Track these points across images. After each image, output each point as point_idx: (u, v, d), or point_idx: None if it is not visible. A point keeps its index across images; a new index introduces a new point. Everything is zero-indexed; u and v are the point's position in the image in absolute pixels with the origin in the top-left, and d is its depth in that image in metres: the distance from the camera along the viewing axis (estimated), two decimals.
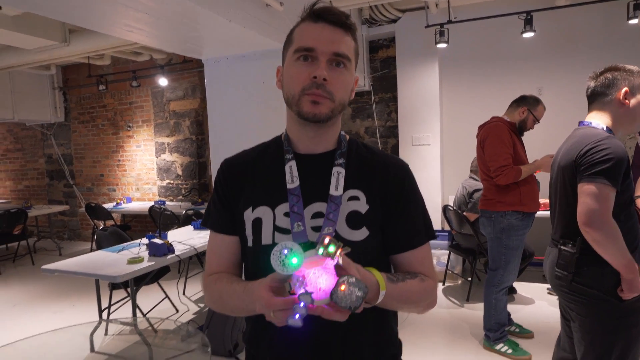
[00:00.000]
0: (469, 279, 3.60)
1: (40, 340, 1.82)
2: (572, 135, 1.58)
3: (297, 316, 0.59)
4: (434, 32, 3.66)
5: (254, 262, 0.83)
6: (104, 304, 2.81)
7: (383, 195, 0.82)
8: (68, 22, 2.63)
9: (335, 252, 0.60)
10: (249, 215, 0.82)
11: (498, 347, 2.56)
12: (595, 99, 1.53)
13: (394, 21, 4.32)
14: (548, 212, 3.10)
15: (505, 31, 4.05)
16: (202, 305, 3.56)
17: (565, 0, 3.59)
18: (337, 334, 0.77)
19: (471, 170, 3.68)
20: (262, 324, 0.74)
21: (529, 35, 3.44)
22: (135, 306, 2.54)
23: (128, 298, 2.84)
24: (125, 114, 5.96)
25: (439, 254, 3.91)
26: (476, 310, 3.17)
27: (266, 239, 0.79)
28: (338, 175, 0.81)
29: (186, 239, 3.00)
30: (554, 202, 1.62)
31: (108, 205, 5.50)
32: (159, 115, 5.72)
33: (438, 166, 4.25)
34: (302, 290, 0.60)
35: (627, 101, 1.45)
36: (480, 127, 2.66)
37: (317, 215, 0.78)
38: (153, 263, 2.44)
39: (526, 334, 2.77)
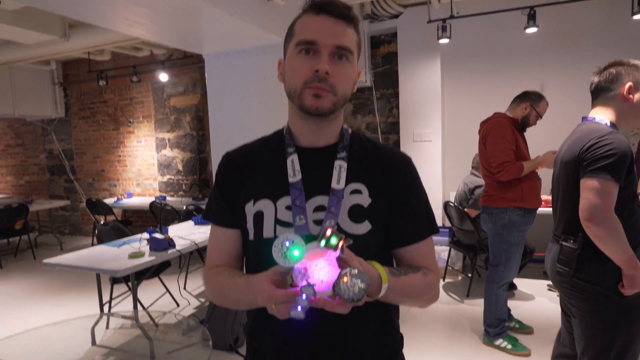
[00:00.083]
0: (469, 275, 3.60)
1: (42, 333, 1.83)
2: (576, 131, 1.57)
3: (299, 308, 0.59)
4: (436, 28, 3.64)
5: (256, 255, 0.82)
6: (105, 299, 2.82)
7: (386, 189, 0.81)
8: (68, 17, 2.62)
9: (338, 244, 0.60)
10: (250, 209, 0.82)
11: (498, 342, 2.56)
12: (599, 94, 1.52)
13: (396, 16, 4.30)
14: (549, 209, 3.10)
15: (508, 27, 4.02)
16: (202, 299, 3.57)
17: None
18: (339, 327, 0.77)
19: (472, 167, 3.68)
20: (264, 317, 0.74)
21: (532, 30, 3.42)
22: (136, 300, 2.55)
23: (129, 292, 2.85)
24: (125, 110, 5.95)
25: (440, 250, 3.91)
26: (476, 306, 3.18)
27: (268, 232, 0.79)
28: (340, 168, 0.80)
29: (187, 234, 3.00)
30: (556, 198, 1.61)
31: (109, 201, 5.51)
32: (160, 110, 5.71)
33: (439, 162, 4.24)
34: (304, 283, 0.59)
35: (631, 96, 1.44)
36: (483, 123, 2.65)
37: (319, 208, 0.78)
38: (154, 258, 2.45)
39: (526, 329, 2.78)
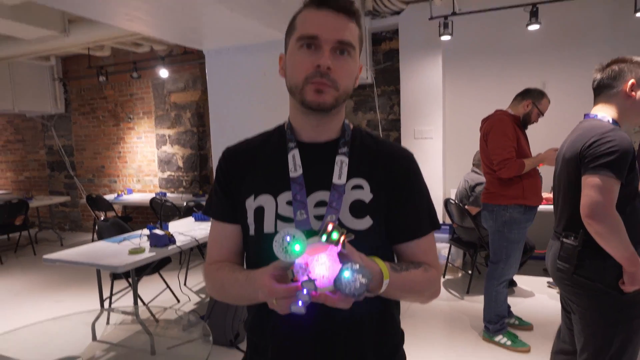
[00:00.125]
0: (470, 272, 3.60)
1: (42, 328, 1.83)
2: (578, 128, 1.57)
3: (300, 303, 0.58)
4: (438, 25, 3.62)
5: (256, 250, 0.82)
6: (106, 294, 2.82)
7: (387, 185, 0.81)
8: (68, 11, 2.61)
9: (339, 239, 0.60)
10: (250, 204, 0.81)
11: (497, 338, 2.57)
12: (601, 91, 1.52)
13: (398, 13, 4.28)
14: (550, 207, 3.10)
15: (509, 24, 4.00)
16: (203, 295, 3.58)
17: None
18: (339, 322, 0.77)
19: (473, 164, 3.68)
20: (264, 312, 0.73)
21: (534, 27, 3.40)
22: (136, 296, 2.55)
23: (129, 288, 2.85)
24: (125, 106, 5.94)
25: (440, 247, 3.91)
26: (476, 303, 3.18)
27: (268, 227, 0.79)
28: (341, 164, 0.80)
29: (187, 230, 3.00)
30: (558, 195, 1.61)
31: (109, 197, 5.51)
32: (160, 107, 5.70)
33: (440, 160, 4.24)
34: (305, 278, 0.59)
35: (633, 93, 1.44)
36: (484, 120, 2.64)
37: (320, 204, 0.78)
38: (154, 254, 2.45)
39: (525, 326, 2.78)
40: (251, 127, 0.89)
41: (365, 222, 0.78)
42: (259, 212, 0.80)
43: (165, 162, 5.78)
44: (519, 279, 3.60)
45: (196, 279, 3.96)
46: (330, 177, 0.79)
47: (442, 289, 3.55)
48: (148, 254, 2.42)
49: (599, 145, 1.38)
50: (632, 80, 1.43)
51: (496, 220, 2.51)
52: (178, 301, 3.44)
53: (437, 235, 4.05)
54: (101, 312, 2.10)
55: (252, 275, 0.70)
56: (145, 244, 2.61)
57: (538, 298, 3.31)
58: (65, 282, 4.10)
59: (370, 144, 0.85)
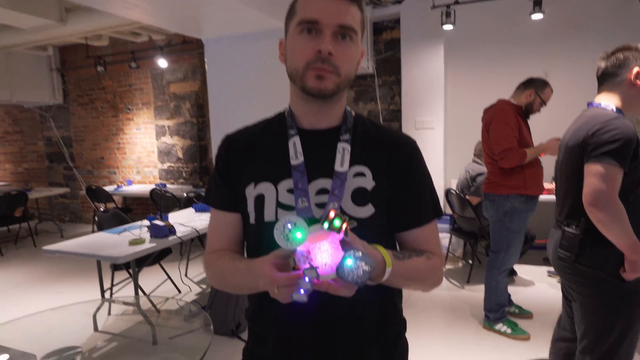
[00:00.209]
0: (470, 261, 3.61)
1: (42, 318, 1.83)
2: (581, 116, 1.55)
3: (302, 291, 0.58)
4: (440, 14, 3.58)
5: (257, 239, 0.81)
6: (106, 285, 2.83)
7: (390, 172, 0.80)
8: None
9: (341, 226, 0.59)
10: (250, 192, 0.80)
11: (497, 327, 2.58)
12: (605, 79, 1.50)
13: (399, 2, 4.22)
14: (550, 197, 3.09)
15: (512, 13, 3.96)
16: (204, 286, 3.59)
17: None
18: (342, 311, 0.76)
19: (474, 155, 3.67)
20: (265, 301, 0.73)
21: (537, 17, 3.36)
22: (137, 287, 2.56)
23: (130, 279, 2.86)
24: (124, 97, 5.90)
25: (441, 237, 3.92)
26: (476, 292, 3.20)
27: (269, 215, 0.78)
28: (343, 151, 0.79)
29: (187, 221, 2.99)
30: (560, 184, 1.60)
31: (109, 188, 5.50)
32: (159, 97, 5.66)
33: (441, 150, 4.22)
34: (307, 266, 0.58)
35: (638, 82, 1.42)
36: (486, 110, 2.62)
37: (321, 191, 0.77)
38: (154, 244, 2.44)
39: (525, 314, 2.80)
40: (251, 117, 0.88)
41: (368, 210, 0.77)
42: (259, 200, 0.79)
43: (164, 153, 5.76)
44: (519, 268, 3.61)
45: (197, 270, 3.97)
46: (332, 165, 0.77)
47: (443, 278, 3.56)
48: (148, 245, 2.42)
49: (602, 134, 1.36)
50: (637, 69, 1.42)
51: (497, 210, 2.50)
52: (179, 292, 3.45)
53: (437, 225, 4.04)
54: (102, 303, 2.10)
55: (253, 264, 0.69)
56: (146, 234, 2.60)
57: (538, 287, 3.32)
58: (66, 274, 4.11)
59: (372, 131, 0.84)
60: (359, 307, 0.77)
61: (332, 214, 0.59)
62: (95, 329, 1.90)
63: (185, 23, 2.78)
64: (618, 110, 1.45)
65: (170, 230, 2.60)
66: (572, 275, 1.49)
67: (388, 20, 4.50)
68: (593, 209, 1.35)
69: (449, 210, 3.90)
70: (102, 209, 4.72)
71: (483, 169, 3.42)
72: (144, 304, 2.31)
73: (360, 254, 0.57)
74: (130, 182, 5.81)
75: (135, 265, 2.51)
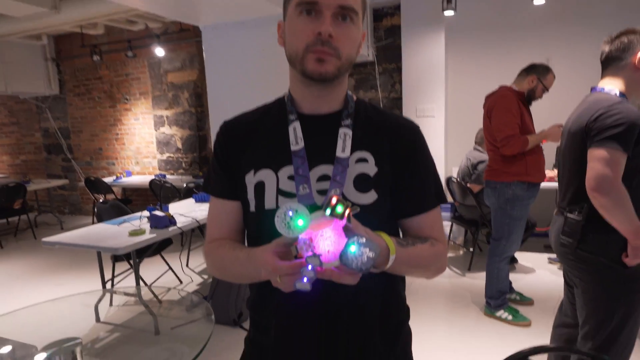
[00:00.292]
0: (471, 249, 3.62)
1: (43, 309, 1.83)
2: (584, 101, 1.53)
3: (305, 280, 0.56)
4: (441, 0, 3.52)
5: (257, 227, 0.80)
6: (107, 277, 2.83)
7: (393, 158, 0.78)
8: None
9: (344, 213, 0.57)
10: (250, 179, 0.78)
11: (498, 313, 2.59)
12: (609, 64, 1.48)
13: None
14: (550, 184, 3.08)
15: None
16: (205, 276, 3.60)
17: None
18: (344, 299, 0.75)
19: (475, 142, 3.65)
20: (267, 290, 0.71)
21: (539, 2, 3.31)
22: (138, 278, 2.56)
23: (131, 270, 2.86)
24: (121, 86, 5.85)
25: None
26: (477, 280, 3.21)
27: (269, 203, 0.76)
28: (345, 136, 0.77)
29: (188, 211, 2.98)
30: (563, 170, 1.59)
31: (108, 180, 5.48)
32: (157, 87, 5.61)
33: (442, 138, 4.19)
34: (309, 253, 0.57)
35: None
36: (488, 97, 2.60)
37: (323, 178, 0.75)
38: (155, 235, 2.44)
39: (526, 301, 2.81)
40: (251, 106, 0.86)
41: (370, 196, 0.75)
42: (260, 187, 0.77)
43: (163, 144, 5.73)
44: (520, 256, 3.62)
45: (198, 260, 3.98)
46: (334, 150, 0.75)
47: None
48: (148, 236, 2.41)
49: (605, 118, 1.35)
50: None
51: (499, 197, 2.49)
52: (180, 282, 3.46)
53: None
54: (103, 294, 2.10)
55: (254, 252, 0.68)
56: (146, 225, 2.60)
57: (539, 274, 3.33)
58: (67, 266, 4.11)
59: (374, 116, 0.82)
60: (361, 295, 0.75)
61: (334, 200, 0.58)
62: (97, 319, 1.90)
63: (182, 9, 2.73)
64: (622, 94, 1.43)
65: (171, 220, 2.59)
66: (574, 261, 1.49)
67: (388, 6, 4.43)
68: (596, 194, 1.34)
69: (450, 198, 3.89)
70: (101, 201, 4.71)
71: (484, 156, 3.41)
72: (146, 294, 2.31)
73: (364, 240, 0.56)
74: (129, 173, 5.79)
75: (135, 256, 2.51)
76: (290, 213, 0.57)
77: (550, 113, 3.09)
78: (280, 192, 0.75)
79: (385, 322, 0.81)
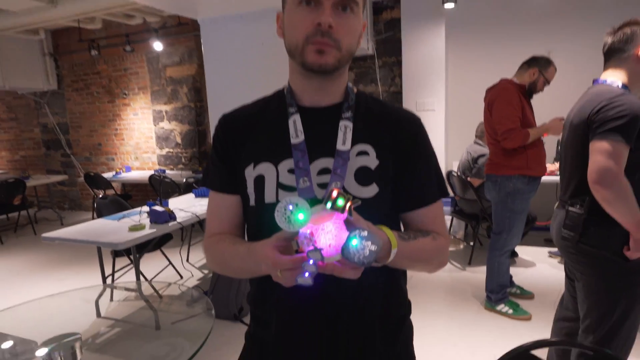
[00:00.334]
0: (471, 243, 3.62)
1: (44, 305, 1.83)
2: (586, 94, 1.52)
3: (306, 274, 0.55)
4: None
5: (257, 221, 0.79)
6: (107, 272, 2.83)
7: (394, 151, 0.77)
8: None
9: (345, 206, 0.56)
10: (250, 173, 0.77)
11: (499, 307, 2.59)
12: (612, 55, 1.47)
13: None
14: (550, 178, 3.07)
15: None
16: (206, 271, 3.60)
17: None
18: (345, 294, 0.74)
19: (476, 136, 3.63)
20: (267, 285, 0.71)
21: None
22: (138, 273, 2.56)
23: (131, 265, 2.85)
24: (120, 81, 5.81)
25: None
26: (478, 274, 3.21)
27: (269, 197, 0.75)
28: (345, 129, 0.75)
29: (187, 206, 2.98)
30: (564, 163, 1.58)
31: (107, 175, 5.47)
32: (156, 82, 5.58)
33: (442, 132, 4.18)
34: (310, 248, 0.56)
35: None
36: (489, 90, 2.58)
37: (323, 171, 0.74)
38: (154, 230, 2.43)
39: (527, 295, 2.81)
40: (251, 101, 0.84)
41: (372, 190, 0.74)
42: (259, 181, 0.76)
43: (163, 139, 5.71)
44: (521, 250, 3.62)
45: (198, 255, 3.98)
46: (334, 143, 0.74)
47: None
48: (148, 231, 2.41)
49: (608, 110, 1.34)
50: None
51: (500, 191, 2.48)
52: (181, 277, 3.46)
53: None
54: (104, 289, 2.10)
55: (254, 247, 0.67)
56: (146, 220, 2.59)
57: (539, 268, 3.33)
58: (67, 261, 4.12)
59: (375, 108, 0.81)
60: (362, 289, 0.75)
61: (334, 193, 0.57)
62: (98, 315, 1.90)
63: (180, 3, 2.70)
64: (624, 86, 1.42)
65: (170, 215, 2.58)
66: (575, 255, 1.49)
67: None
68: (598, 186, 1.33)
69: (450, 193, 3.89)
70: (100, 196, 4.70)
71: (484, 150, 3.40)
72: (146, 289, 2.31)
73: (365, 233, 0.55)
74: (128, 169, 5.78)
75: (136, 252, 2.51)
76: (291, 207, 0.56)
77: (550, 106, 3.07)
78: (280, 185, 0.74)
79: (386, 316, 0.81)
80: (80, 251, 4.17)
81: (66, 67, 6.13)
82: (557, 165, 3.59)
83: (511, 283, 2.82)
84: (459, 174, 3.48)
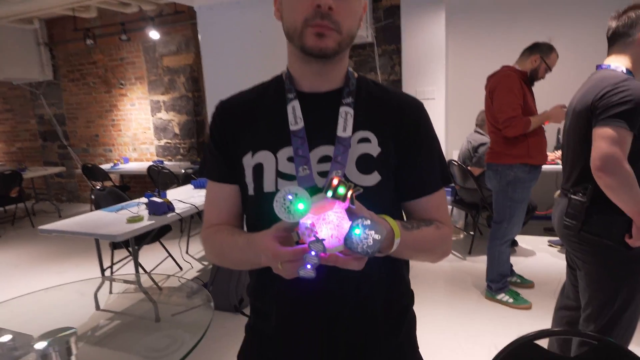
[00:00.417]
0: (472, 232, 3.61)
1: (42, 298, 1.82)
2: (590, 80, 1.50)
3: (308, 267, 0.53)
4: None
5: (256, 211, 0.77)
6: (106, 264, 2.81)
7: (396, 137, 0.74)
8: None
9: (346, 194, 0.54)
10: (248, 161, 0.75)
11: (499, 297, 2.59)
12: (616, 40, 1.44)
13: None
14: (550, 167, 3.05)
15: None
16: (205, 263, 3.59)
17: None
18: (348, 285, 0.73)
19: (476, 125, 3.60)
20: (267, 277, 0.69)
21: None
22: (137, 265, 2.55)
23: (130, 257, 2.84)
24: (116, 71, 5.74)
25: None
26: (478, 263, 3.21)
27: (268, 186, 0.73)
28: (346, 115, 0.73)
29: (186, 197, 2.96)
30: (567, 151, 1.56)
31: (105, 166, 5.43)
32: (152, 71, 5.51)
33: (443, 121, 4.15)
34: (312, 238, 0.54)
35: None
36: (490, 77, 2.55)
37: (324, 159, 0.71)
38: (153, 222, 2.41)
39: (527, 284, 2.81)
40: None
41: (373, 178, 0.72)
42: (258, 169, 0.74)
43: (161, 130, 5.66)
44: (520, 239, 3.61)
45: (198, 247, 3.97)
46: (334, 130, 0.72)
47: None
48: (147, 222, 2.39)
49: (611, 96, 1.31)
50: None
51: (501, 180, 2.47)
52: (180, 269, 3.45)
53: None
54: (103, 282, 2.09)
55: (253, 238, 0.65)
56: (144, 212, 2.57)
57: (539, 257, 3.33)
58: (65, 254, 4.10)
59: (377, 94, 0.78)
60: (365, 280, 0.73)
61: (335, 181, 0.54)
62: (97, 307, 1.89)
63: None
64: (628, 71, 1.40)
65: (169, 207, 2.56)
66: (577, 243, 1.47)
67: None
68: (601, 173, 1.31)
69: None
70: (98, 188, 4.67)
71: (485, 139, 3.37)
72: (145, 281, 2.30)
73: (368, 222, 0.53)
74: (126, 160, 5.74)
75: (134, 243, 2.49)
76: (290, 197, 0.54)
77: (551, 94, 3.04)
78: (279, 174, 0.72)
79: (389, 307, 0.79)
80: (79, 243, 4.16)
81: (61, 57, 6.05)
82: (557, 153, 3.57)
83: (511, 272, 2.82)
84: (459, 163, 3.46)
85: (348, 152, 0.71)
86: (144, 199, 2.75)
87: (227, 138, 0.78)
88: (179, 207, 2.65)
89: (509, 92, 2.37)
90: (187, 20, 5.04)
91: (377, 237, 0.52)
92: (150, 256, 3.54)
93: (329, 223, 0.55)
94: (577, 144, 1.47)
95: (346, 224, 0.54)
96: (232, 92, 0.82)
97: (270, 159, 0.73)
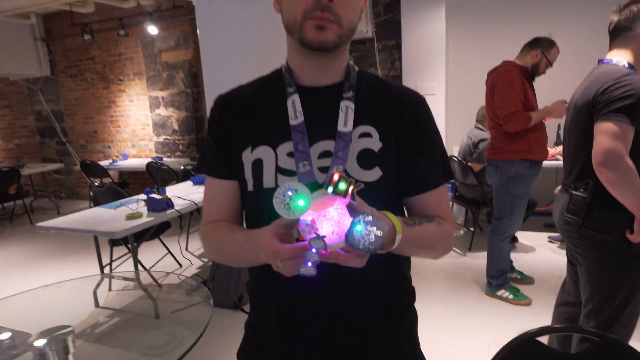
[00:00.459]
0: (472, 229, 3.61)
1: (41, 296, 1.81)
2: (591, 74, 1.48)
3: (309, 264, 0.52)
4: None
5: (256, 207, 0.76)
6: (105, 261, 2.80)
7: (398, 132, 0.73)
8: None
9: (347, 190, 0.53)
10: (247, 157, 0.74)
11: (499, 293, 2.59)
12: (617, 34, 1.43)
13: None
14: (551, 162, 3.04)
15: None
16: (205, 259, 3.59)
17: None
18: (349, 282, 0.72)
19: (477, 120, 3.59)
20: (267, 274, 0.68)
21: None
22: (136, 262, 2.54)
23: (129, 254, 2.83)
24: (115, 67, 5.71)
25: None
26: (478, 259, 3.21)
27: (268, 181, 0.71)
28: (347, 110, 0.72)
29: (185, 194, 2.94)
30: (568, 146, 1.55)
31: (104, 163, 5.41)
32: (151, 67, 5.48)
33: (443, 116, 4.14)
34: (312, 235, 0.53)
35: None
36: (490, 72, 2.53)
37: (324, 154, 0.70)
38: (152, 218, 2.40)
39: (527, 280, 2.81)
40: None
41: (375, 174, 0.71)
42: (257, 165, 0.72)
43: (160, 126, 5.64)
44: (520, 235, 3.61)
45: (197, 244, 3.97)
46: (335, 125, 0.70)
47: None
48: (146, 219, 2.38)
49: (613, 90, 1.30)
50: None
51: (501, 175, 2.46)
52: (180, 266, 3.45)
53: None
54: (102, 279, 2.08)
55: (253, 235, 0.64)
56: (143, 208, 2.56)
57: (539, 253, 3.33)
58: (64, 251, 4.09)
59: (378, 88, 0.77)
60: (365, 277, 0.72)
61: (336, 176, 0.53)
62: (96, 305, 1.88)
63: None
64: (630, 66, 1.39)
65: (168, 203, 2.55)
66: (578, 239, 1.47)
67: None
68: (603, 168, 1.30)
69: None
70: (97, 184, 4.66)
71: (485, 134, 3.36)
72: (145, 279, 2.29)
73: (370, 218, 0.51)
74: (125, 156, 5.72)
75: (133, 240, 2.48)
76: (290, 193, 0.53)
77: (552, 89, 3.03)
78: (279, 170, 0.71)
79: (390, 305, 0.78)
80: (78, 240, 4.14)
81: (59, 52, 6.01)
82: (557, 149, 3.56)
83: (511, 268, 2.82)
84: (459, 159, 3.45)
85: (349, 147, 0.70)
86: (143, 196, 2.73)
87: (226, 133, 0.77)
88: (178, 204, 2.64)
89: (510, 88, 2.35)
90: (185, 15, 5.01)
91: (379, 233, 0.51)
92: (150, 253, 3.53)
93: (329, 219, 0.54)
94: (578, 139, 1.46)
95: (347, 220, 0.53)
96: (231, 87, 0.81)
97: (269, 155, 0.72)
